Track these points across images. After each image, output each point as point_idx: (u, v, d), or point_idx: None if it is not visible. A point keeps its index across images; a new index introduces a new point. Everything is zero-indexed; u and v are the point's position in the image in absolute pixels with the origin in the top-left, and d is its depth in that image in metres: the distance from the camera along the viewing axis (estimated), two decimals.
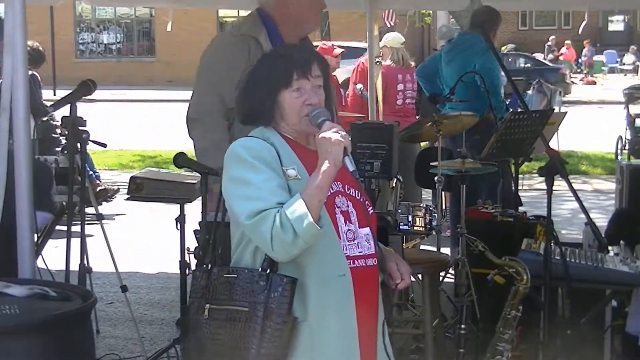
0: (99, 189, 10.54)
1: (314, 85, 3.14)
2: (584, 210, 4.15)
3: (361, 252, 3.13)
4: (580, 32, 13.43)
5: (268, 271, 3.03)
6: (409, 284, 3.27)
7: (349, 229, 3.12)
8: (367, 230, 3.17)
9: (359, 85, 9.56)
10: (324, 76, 3.20)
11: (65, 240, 4.86)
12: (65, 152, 6.05)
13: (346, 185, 3.19)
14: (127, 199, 6.12)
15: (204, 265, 3.32)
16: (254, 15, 4.66)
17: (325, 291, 3.05)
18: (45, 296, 3.85)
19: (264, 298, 3.00)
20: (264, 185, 3.00)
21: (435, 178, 6.08)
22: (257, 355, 3.00)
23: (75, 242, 5.33)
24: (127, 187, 6.05)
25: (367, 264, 3.15)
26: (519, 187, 7.05)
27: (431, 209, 5.95)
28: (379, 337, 3.19)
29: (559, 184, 4.31)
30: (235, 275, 3.08)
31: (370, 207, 3.27)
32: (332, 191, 3.10)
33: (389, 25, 14.52)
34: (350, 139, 2.99)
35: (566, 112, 7.37)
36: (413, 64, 9.81)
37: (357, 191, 3.21)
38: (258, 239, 3.00)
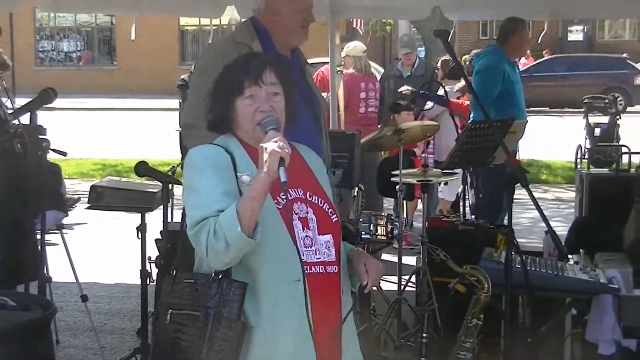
0: None
1: (268, 93, 3.13)
2: (545, 219, 4.17)
3: (319, 258, 3.11)
4: (539, 41, 13.51)
5: (220, 276, 3.03)
6: (376, 283, 3.23)
7: (306, 235, 3.09)
8: (327, 237, 3.15)
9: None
10: (283, 83, 3.18)
11: None
12: None
13: (308, 192, 3.18)
14: (88, 208, 6.07)
15: (171, 271, 3.30)
16: (247, 24, 4.61)
17: (279, 296, 3.03)
18: (4, 306, 3.82)
19: (215, 303, 3.00)
20: (208, 192, 3.00)
21: (397, 187, 6.10)
22: None
23: None
24: (87, 196, 6.01)
25: (327, 270, 3.12)
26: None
27: (393, 217, 5.96)
28: (344, 349, 3.17)
29: (520, 193, 4.34)
30: (193, 280, 3.09)
31: (335, 215, 3.24)
32: (290, 197, 3.09)
33: (360, 32, 14.51)
34: (289, 151, 2.94)
35: (527, 121, 7.39)
36: (375, 72, 9.82)
37: (320, 198, 3.20)
38: (198, 247, 3.01)
